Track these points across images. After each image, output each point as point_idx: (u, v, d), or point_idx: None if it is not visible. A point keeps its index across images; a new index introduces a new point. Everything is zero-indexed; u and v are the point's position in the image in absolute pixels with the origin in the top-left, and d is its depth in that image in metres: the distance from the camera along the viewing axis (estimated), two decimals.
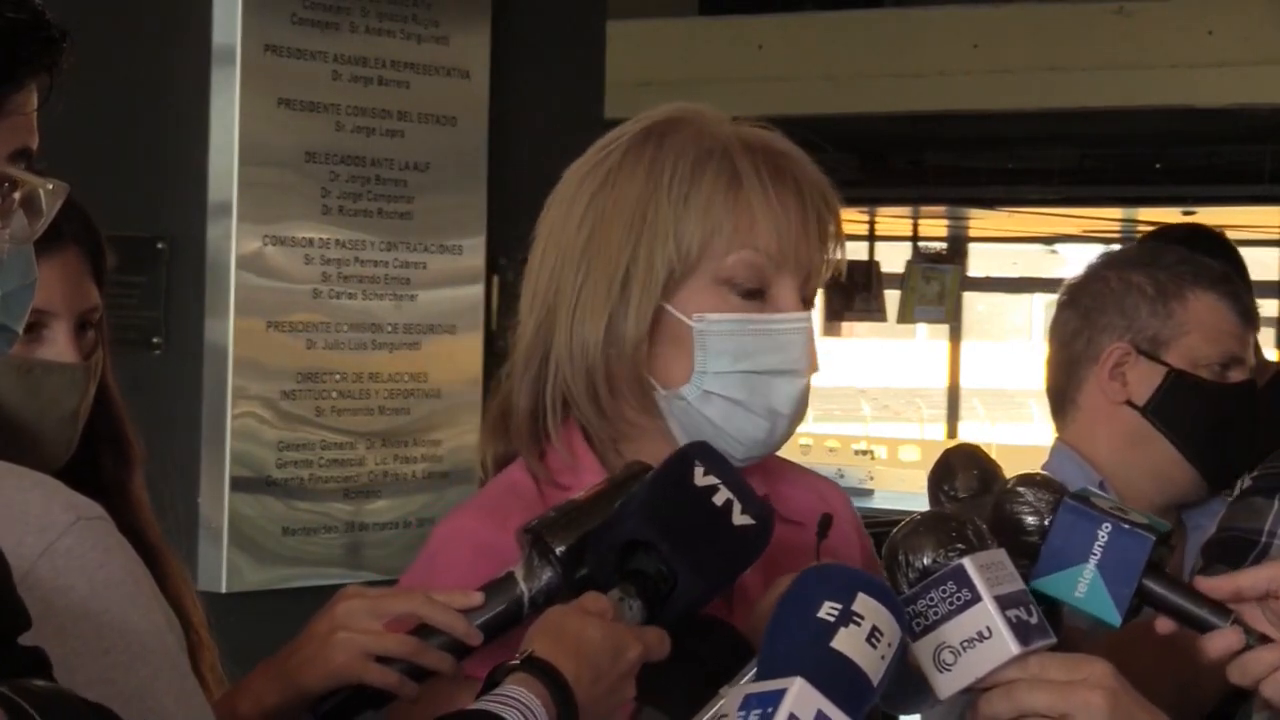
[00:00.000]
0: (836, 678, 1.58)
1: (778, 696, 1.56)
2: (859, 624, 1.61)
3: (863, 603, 1.63)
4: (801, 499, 2.01)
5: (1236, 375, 2.80)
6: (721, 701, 1.60)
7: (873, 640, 1.61)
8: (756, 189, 1.89)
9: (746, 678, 1.62)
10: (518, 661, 1.64)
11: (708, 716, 1.61)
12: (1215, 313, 2.79)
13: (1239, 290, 2.81)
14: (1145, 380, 2.81)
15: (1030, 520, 1.82)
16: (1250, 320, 2.82)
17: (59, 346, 2.08)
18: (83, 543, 1.50)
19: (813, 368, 1.92)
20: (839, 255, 1.95)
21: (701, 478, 1.75)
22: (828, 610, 1.62)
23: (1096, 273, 2.92)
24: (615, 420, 1.93)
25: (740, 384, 1.89)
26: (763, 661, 1.62)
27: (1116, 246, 16.77)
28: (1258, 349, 3.02)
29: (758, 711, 1.56)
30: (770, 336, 1.90)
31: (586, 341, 1.90)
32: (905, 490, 13.12)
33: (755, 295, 1.90)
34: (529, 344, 1.95)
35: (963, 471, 2.09)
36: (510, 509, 1.88)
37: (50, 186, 1.45)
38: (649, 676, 1.70)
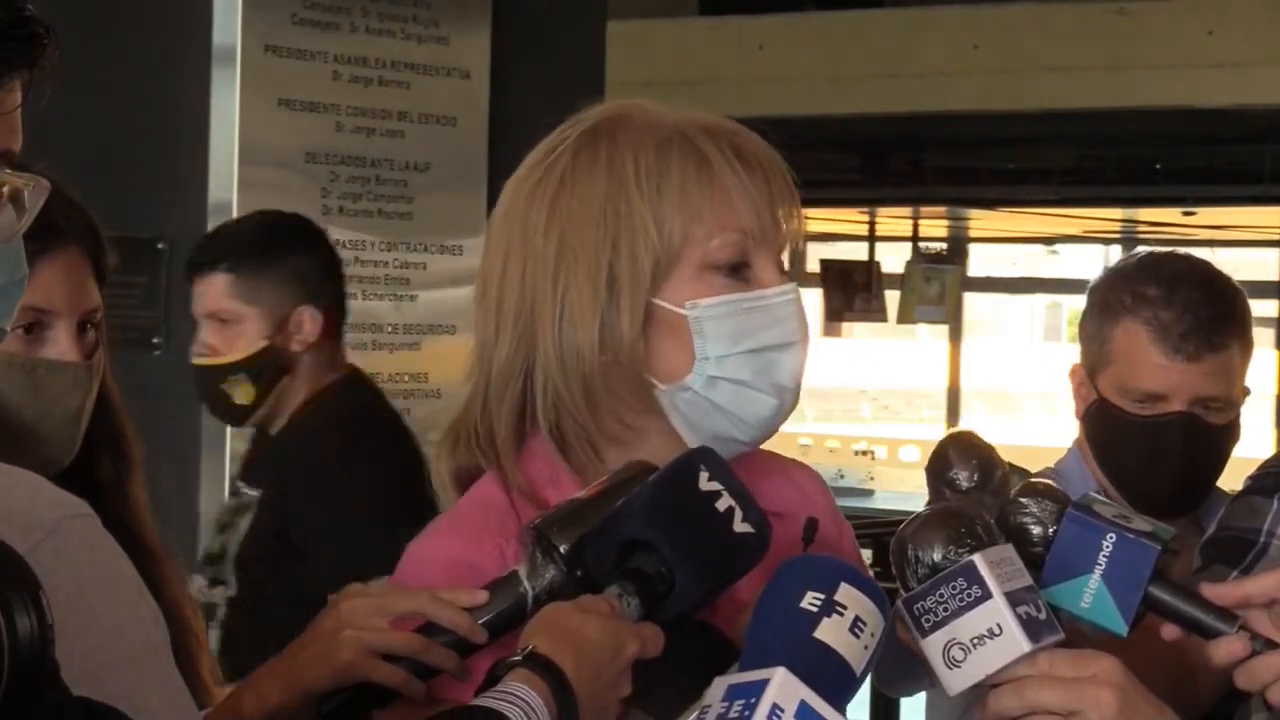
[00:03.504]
0: (819, 668, 1.58)
1: (760, 687, 1.56)
2: (842, 614, 1.61)
3: (845, 593, 1.63)
4: (781, 490, 2.00)
5: (1164, 407, 2.75)
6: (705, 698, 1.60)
7: (856, 630, 1.61)
8: (726, 170, 1.88)
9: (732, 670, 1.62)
10: (518, 657, 1.64)
11: (693, 717, 1.60)
12: (1134, 343, 2.74)
13: (1168, 320, 2.73)
14: (1085, 400, 2.84)
15: (1035, 530, 1.81)
16: (1181, 351, 2.71)
17: (61, 346, 2.09)
18: (69, 541, 1.50)
19: (807, 336, 1.92)
20: (797, 224, 1.94)
21: (706, 483, 1.74)
22: (810, 600, 1.62)
23: (1099, 277, 2.91)
24: (610, 426, 1.91)
25: (744, 364, 1.88)
26: (746, 652, 1.62)
27: (1116, 247, 16.79)
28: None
29: (740, 702, 1.56)
30: (765, 312, 1.88)
31: (580, 348, 1.86)
32: (905, 490, 13.13)
33: (739, 275, 1.89)
34: (507, 361, 1.90)
35: (961, 462, 2.09)
36: (482, 525, 1.86)
37: (32, 185, 1.43)
38: (637, 678, 1.70)
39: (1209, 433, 2.75)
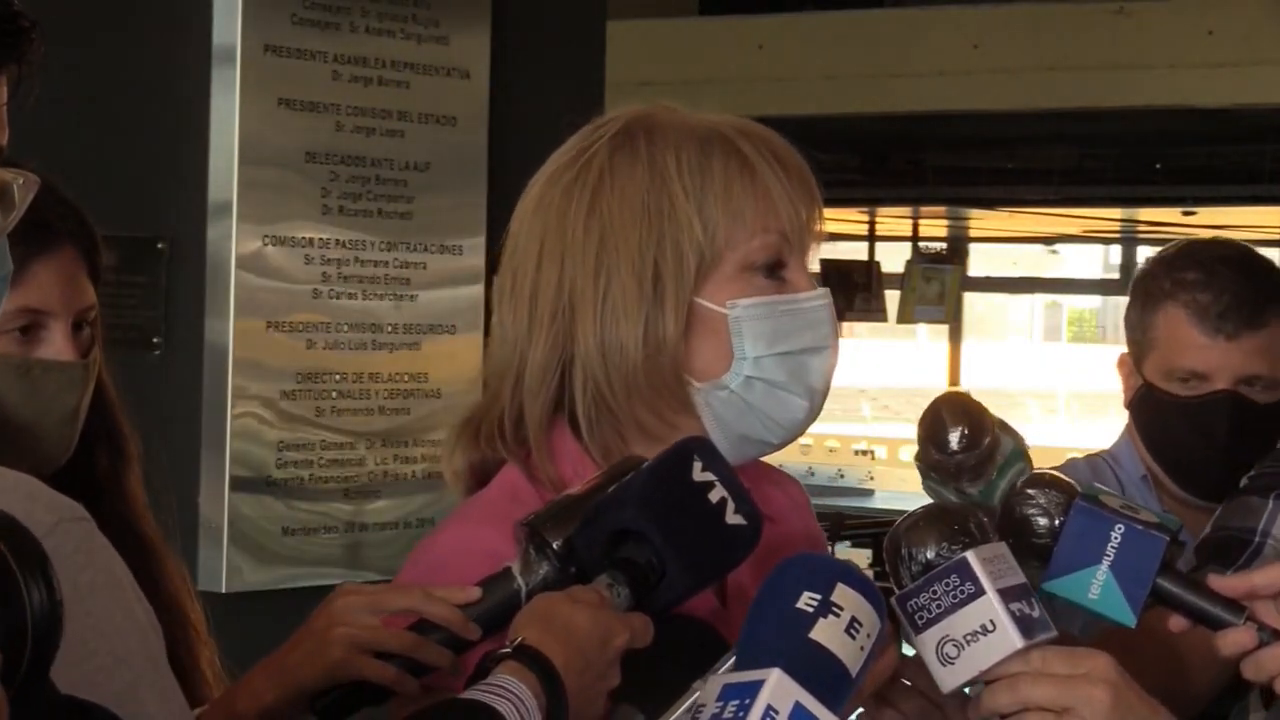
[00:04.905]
0: (815, 669, 1.58)
1: (755, 687, 1.56)
2: (838, 615, 1.61)
3: (842, 593, 1.63)
4: (773, 495, 2.02)
5: (1208, 386, 2.75)
6: (695, 695, 1.60)
7: (852, 631, 1.61)
8: (768, 172, 1.90)
9: (725, 668, 1.62)
10: (508, 649, 1.64)
11: (681, 710, 1.60)
12: (1175, 326, 2.76)
13: (1206, 301, 2.74)
14: (1133, 389, 2.85)
15: (1042, 522, 1.81)
16: (1220, 330, 2.73)
17: (57, 345, 2.09)
18: (66, 545, 1.50)
19: (838, 342, 1.93)
20: (821, 227, 1.96)
21: (699, 473, 1.74)
22: (806, 601, 1.61)
23: (1141, 267, 2.92)
24: (648, 421, 1.91)
25: (779, 366, 1.89)
26: (741, 651, 1.62)
27: (1116, 247, 16.76)
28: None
29: (735, 702, 1.56)
30: (800, 315, 1.90)
31: (624, 344, 1.87)
32: (905, 490, 13.09)
33: (774, 276, 1.90)
34: (544, 355, 1.91)
35: (952, 423, 2.09)
36: (519, 515, 1.84)
37: (21, 181, 1.43)
38: (625, 673, 1.71)
39: (1255, 411, 2.75)
